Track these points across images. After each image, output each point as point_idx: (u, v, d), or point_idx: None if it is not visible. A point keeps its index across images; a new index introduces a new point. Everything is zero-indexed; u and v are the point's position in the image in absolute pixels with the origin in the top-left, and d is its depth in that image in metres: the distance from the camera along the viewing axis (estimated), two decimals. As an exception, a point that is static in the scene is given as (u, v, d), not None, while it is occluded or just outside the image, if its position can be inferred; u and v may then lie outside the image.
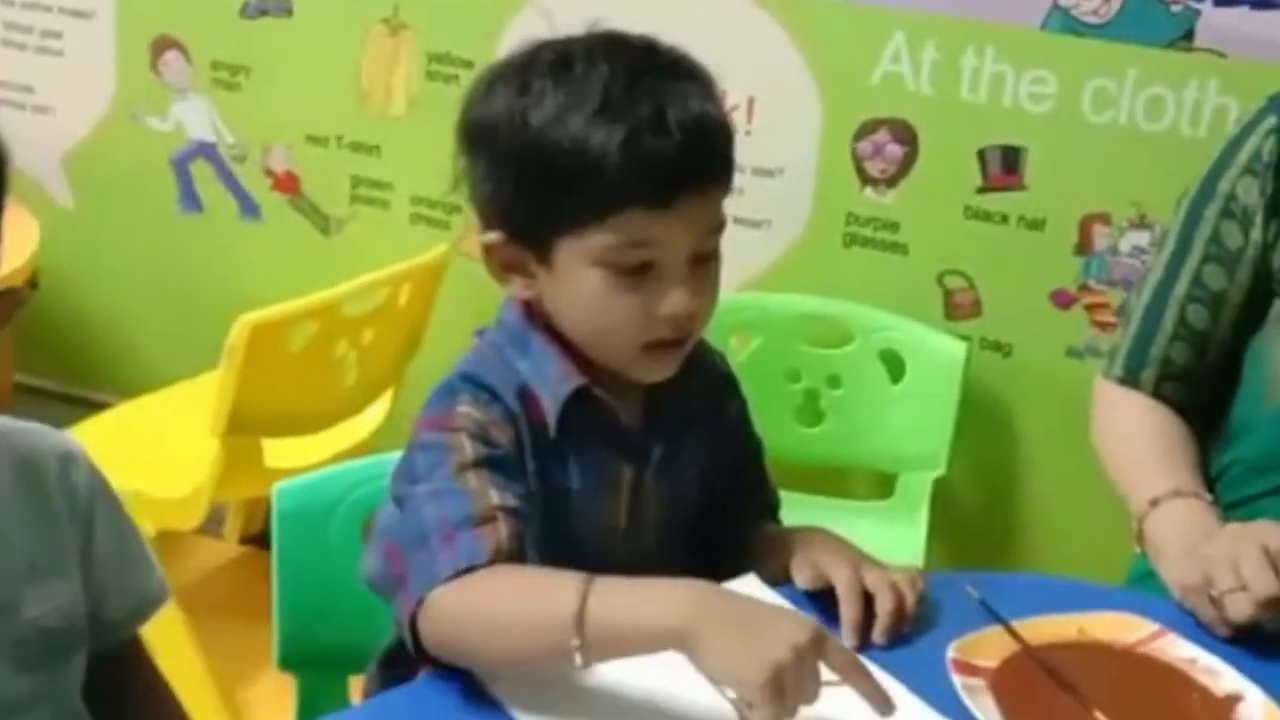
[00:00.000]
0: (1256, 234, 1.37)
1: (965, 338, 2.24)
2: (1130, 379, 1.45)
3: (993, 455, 2.31)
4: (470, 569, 1.03)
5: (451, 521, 1.05)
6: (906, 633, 1.16)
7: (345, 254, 2.44)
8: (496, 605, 1.02)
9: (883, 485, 2.32)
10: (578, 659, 0.99)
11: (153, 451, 2.14)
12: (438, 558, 1.04)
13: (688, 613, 0.98)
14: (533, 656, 1.03)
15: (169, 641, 2.14)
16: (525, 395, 1.14)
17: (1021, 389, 2.26)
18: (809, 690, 0.96)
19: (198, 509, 2.01)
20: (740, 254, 2.32)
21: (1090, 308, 2.21)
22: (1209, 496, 1.33)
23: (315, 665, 1.38)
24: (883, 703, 1.00)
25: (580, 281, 1.11)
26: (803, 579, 1.18)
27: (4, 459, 1.09)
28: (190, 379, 2.31)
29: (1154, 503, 1.31)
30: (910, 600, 1.17)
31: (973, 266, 2.26)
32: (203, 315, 2.25)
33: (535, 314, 1.17)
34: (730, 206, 2.32)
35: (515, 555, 1.05)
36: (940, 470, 2.20)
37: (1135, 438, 1.42)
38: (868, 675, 1.00)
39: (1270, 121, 1.38)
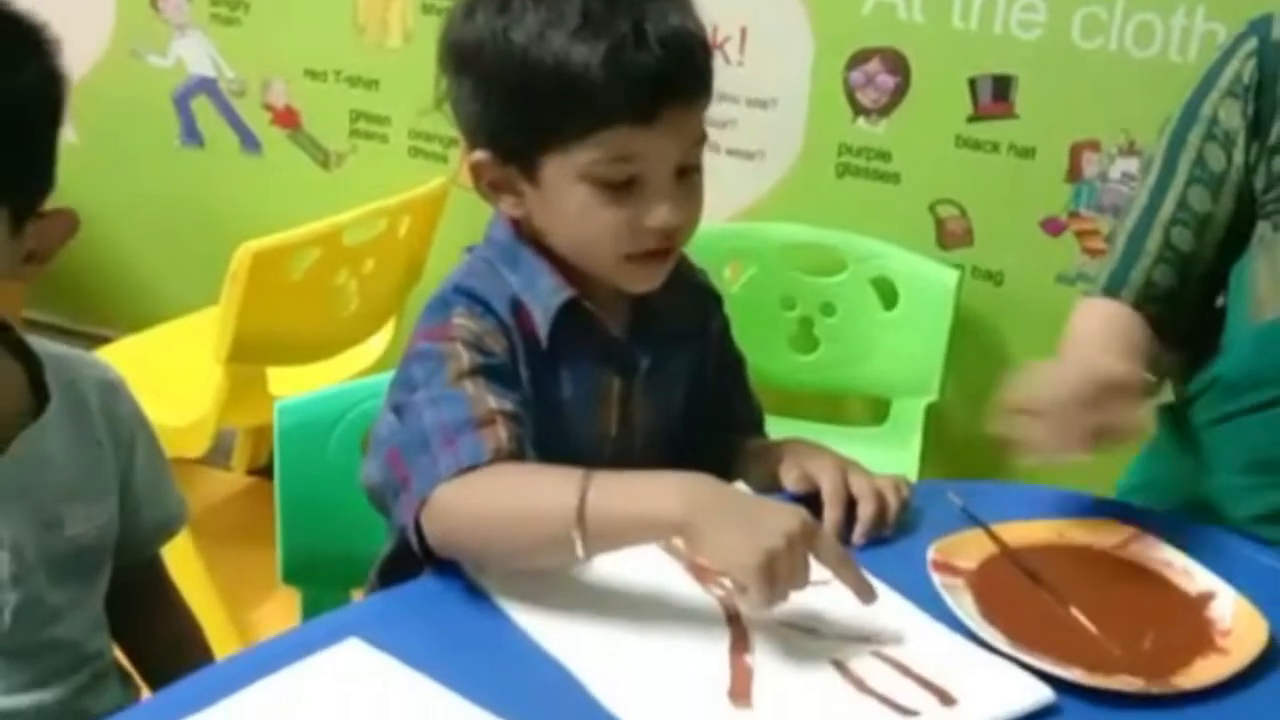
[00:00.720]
0: (1239, 156, 1.38)
1: (957, 266, 2.27)
2: (1111, 296, 1.47)
3: (984, 381, 2.31)
4: (472, 468, 1.06)
5: (452, 425, 1.08)
6: (889, 536, 1.19)
7: (345, 188, 2.47)
8: (500, 501, 1.05)
9: (877, 411, 2.35)
10: (579, 550, 1.02)
11: (159, 381, 2.15)
12: (439, 459, 1.07)
13: (685, 502, 1.01)
14: (535, 549, 1.06)
15: (180, 565, 2.19)
16: (517, 307, 1.17)
17: (1013, 316, 2.29)
18: (800, 577, 1.00)
19: (204, 435, 2.05)
20: (734, 184, 2.37)
21: (1080, 234, 2.24)
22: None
23: (318, 579, 1.42)
24: (867, 593, 1.03)
25: (567, 197, 1.13)
26: (790, 481, 1.22)
27: (52, 386, 1.13)
28: (195, 313, 2.34)
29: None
30: (893, 505, 1.20)
31: (964, 195, 2.29)
32: (206, 250, 2.28)
33: (523, 230, 1.19)
34: (724, 138, 2.39)
35: (515, 456, 1.07)
36: (933, 396, 2.23)
37: (1090, 320, 1.43)
38: (854, 567, 1.04)
39: (1251, 44, 1.39)
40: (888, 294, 2.28)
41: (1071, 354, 1.28)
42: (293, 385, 2.07)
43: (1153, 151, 1.45)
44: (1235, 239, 1.41)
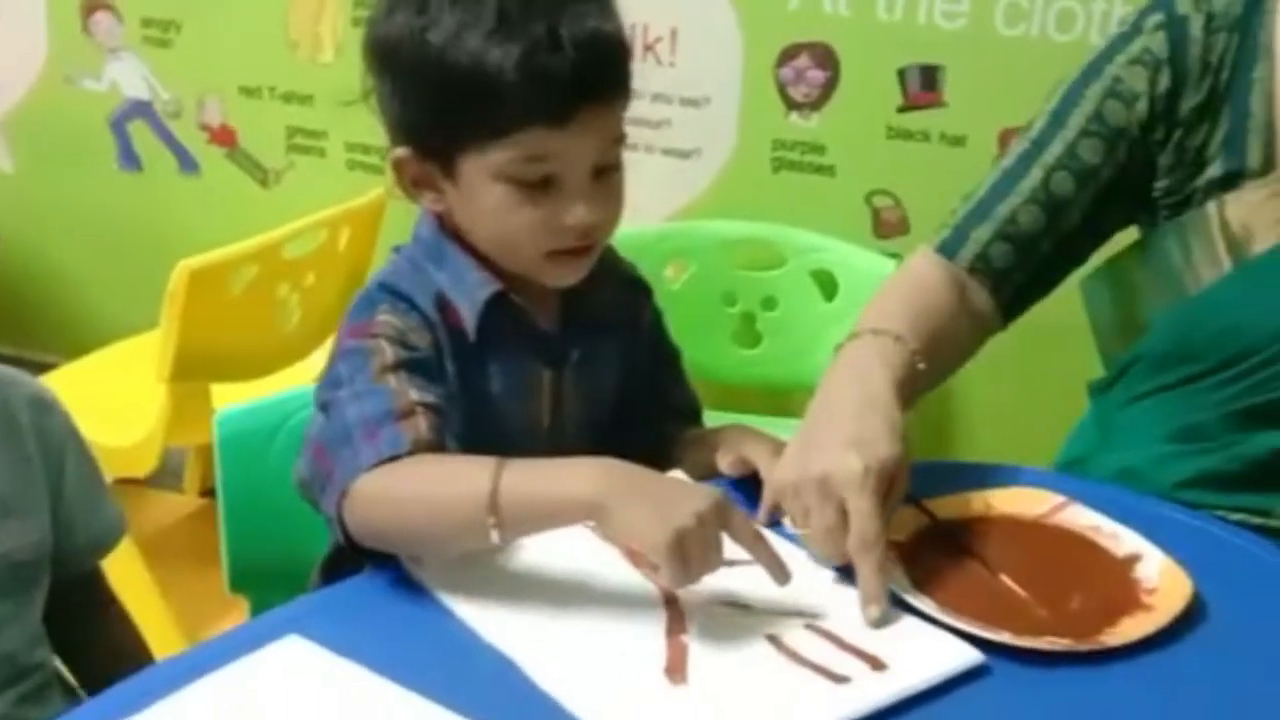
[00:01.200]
0: (1139, 118, 1.37)
1: (895, 255, 2.29)
2: (955, 240, 1.42)
3: (926, 367, 2.37)
4: (393, 459, 1.07)
5: (373, 418, 1.09)
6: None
7: (285, 204, 2.47)
8: (417, 489, 1.07)
9: (821, 402, 2.37)
10: (494, 536, 1.04)
11: (104, 403, 2.16)
12: (361, 451, 1.08)
13: (597, 484, 1.03)
14: (452, 536, 1.07)
15: (131, 588, 2.19)
16: (443, 303, 1.18)
17: (951, 301, 2.32)
18: (711, 556, 1.02)
19: (150, 455, 2.05)
20: (671, 184, 2.39)
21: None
22: (913, 345, 1.28)
23: (265, 586, 1.42)
24: (780, 572, 1.05)
25: (484, 195, 1.15)
26: (725, 465, 1.24)
27: None
28: (138, 335, 2.34)
29: (854, 335, 1.29)
30: None
31: (899, 185, 2.32)
32: (147, 273, 2.27)
33: (448, 227, 1.21)
34: (658, 138, 2.41)
35: (435, 447, 1.09)
36: (876, 384, 2.26)
37: (901, 281, 1.41)
38: (768, 546, 1.05)
39: (1157, 18, 1.39)
40: (827, 286, 2.30)
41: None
42: (238, 402, 2.08)
43: (1037, 112, 1.43)
44: (1111, 202, 1.40)
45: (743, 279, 2.33)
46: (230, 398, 2.09)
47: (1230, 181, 1.36)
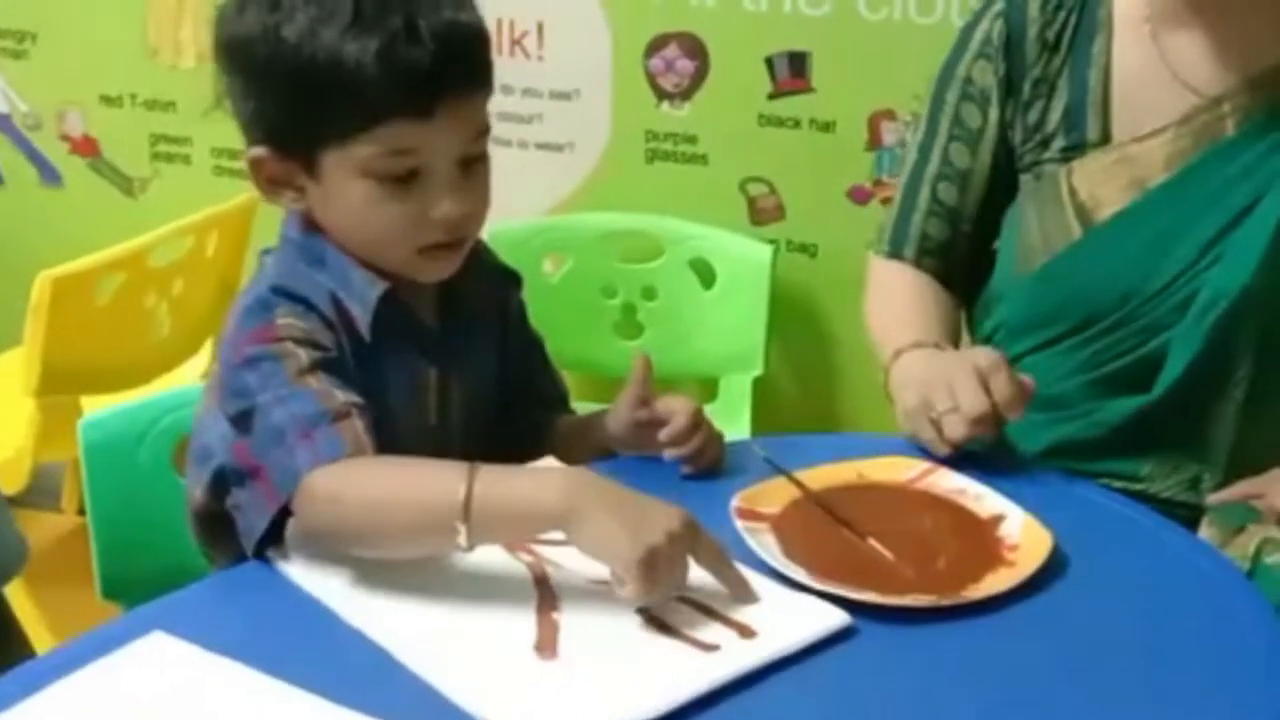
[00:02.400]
0: (994, 113, 1.45)
1: (771, 241, 2.31)
2: (895, 253, 1.53)
3: (809, 351, 2.39)
4: (331, 461, 1.06)
5: (306, 419, 1.07)
6: (694, 488, 1.23)
7: (152, 213, 2.42)
8: (382, 491, 1.06)
9: (705, 390, 2.38)
10: (462, 541, 1.04)
11: (-31, 422, 2.12)
12: (296, 453, 1.06)
13: (569, 495, 1.02)
14: (416, 537, 1.06)
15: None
16: (338, 303, 1.16)
17: (830, 285, 2.34)
18: (679, 574, 1.02)
19: (20, 472, 2.00)
20: (545, 178, 2.39)
21: (886, 201, 2.28)
22: (950, 349, 1.39)
23: (137, 593, 1.39)
24: (746, 593, 1.06)
25: (348, 192, 1.13)
26: (635, 414, 1.27)
27: None
28: (4, 352, 2.29)
29: (897, 353, 1.36)
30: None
31: (772, 172, 2.33)
32: (11, 288, 2.23)
33: (316, 228, 1.18)
34: (531, 132, 2.40)
35: (370, 448, 1.08)
36: (758, 370, 2.28)
37: (891, 299, 1.50)
38: (733, 568, 1.06)
39: (998, 5, 1.45)
40: (706, 274, 2.32)
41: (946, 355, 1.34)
42: (106, 410, 2.04)
43: (918, 111, 1.52)
44: (997, 192, 1.48)
45: (621, 271, 2.34)
46: (101, 410, 2.05)
47: (1073, 153, 1.41)
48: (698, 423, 1.26)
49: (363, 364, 1.16)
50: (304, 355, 1.10)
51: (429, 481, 1.05)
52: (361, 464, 1.06)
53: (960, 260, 1.52)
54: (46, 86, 2.51)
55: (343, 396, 1.09)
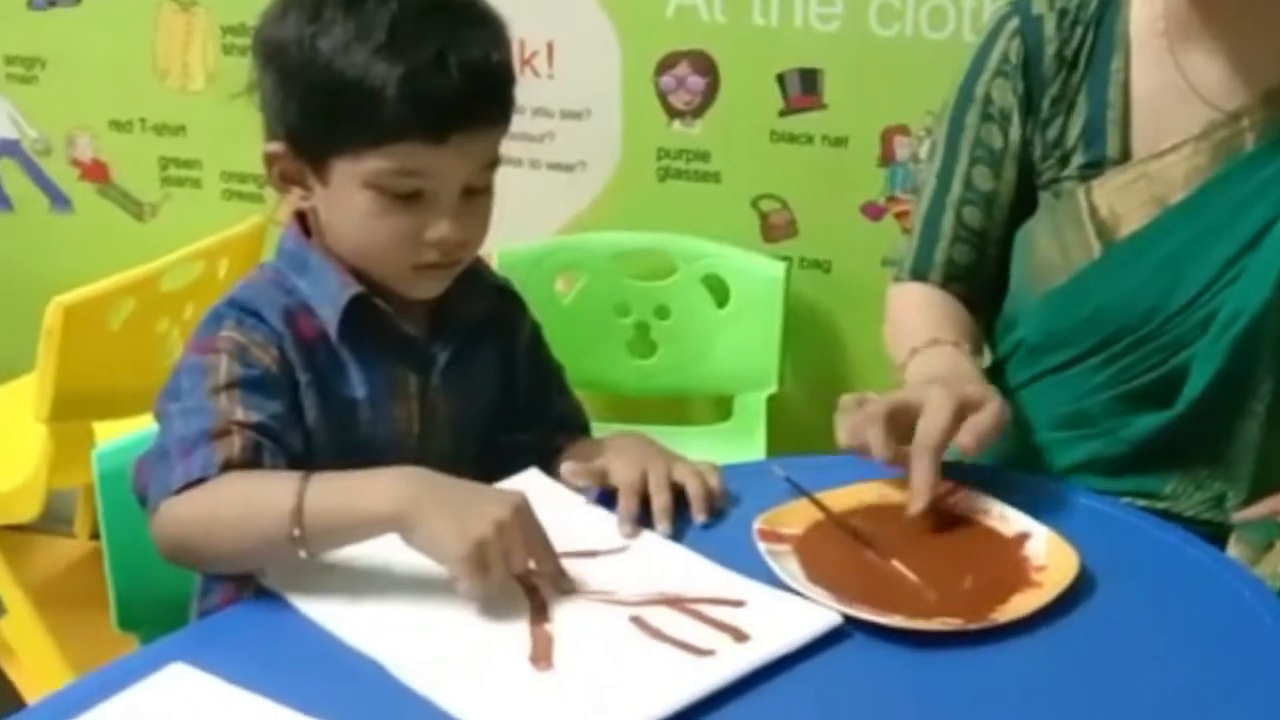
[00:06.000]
0: (1015, 132, 1.43)
1: (784, 258, 2.30)
2: (919, 279, 1.51)
3: (823, 368, 2.38)
4: (201, 480, 1.08)
5: (191, 437, 1.10)
6: (718, 510, 1.21)
7: (162, 237, 2.41)
8: (220, 508, 1.08)
9: (720, 408, 2.38)
10: (300, 550, 1.05)
11: (-18, 450, 2.11)
12: (174, 470, 1.09)
13: (398, 496, 1.04)
14: (257, 550, 1.08)
15: (24, 637, 2.14)
16: (294, 315, 1.18)
17: (844, 302, 2.33)
18: (512, 562, 1.03)
19: (34, 499, 2.00)
20: (558, 197, 2.38)
21: (899, 216, 2.28)
22: (968, 347, 1.38)
23: (153, 622, 1.38)
24: (564, 582, 1.07)
25: (352, 199, 1.16)
26: (570, 474, 1.22)
27: None
28: (16, 379, 2.28)
29: (913, 351, 1.36)
30: (712, 483, 1.22)
31: (784, 188, 2.32)
32: (23, 315, 2.22)
33: (313, 233, 1.22)
34: (543, 152, 2.40)
35: (248, 466, 1.10)
36: (773, 388, 2.26)
37: (908, 309, 1.48)
38: (555, 560, 1.07)
39: (1013, 23, 1.44)
40: (719, 292, 2.30)
41: (922, 385, 1.29)
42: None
43: (935, 134, 1.50)
44: (1023, 210, 1.46)
45: (634, 289, 2.33)
46: (113, 436, 2.04)
47: (1093, 171, 1.40)
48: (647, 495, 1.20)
49: (327, 371, 1.19)
50: (225, 371, 1.14)
51: (264, 494, 1.07)
52: (213, 483, 1.08)
53: (986, 283, 1.50)
54: (56, 112, 2.50)
55: (240, 415, 1.11)
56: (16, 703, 1.46)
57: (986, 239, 1.48)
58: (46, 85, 2.49)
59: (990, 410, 1.22)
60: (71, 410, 1.94)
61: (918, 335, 1.38)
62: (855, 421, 1.21)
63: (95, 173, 2.53)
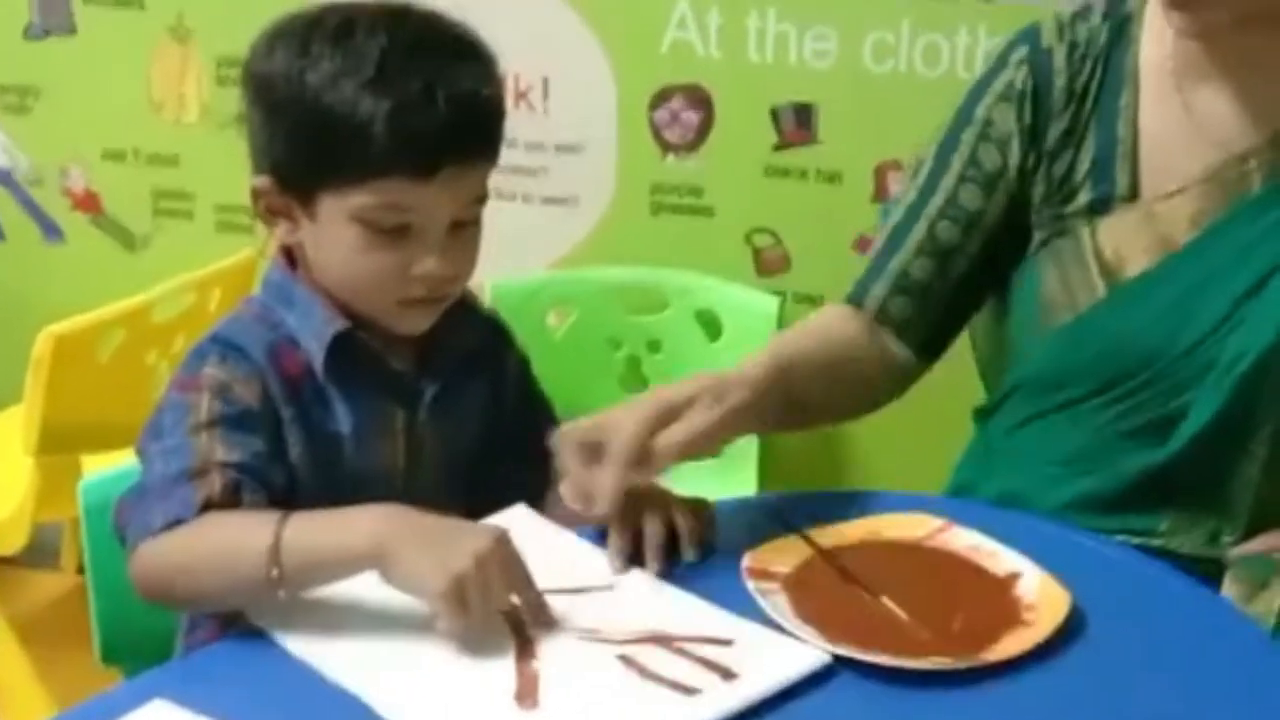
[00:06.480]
0: (1014, 159, 1.40)
1: (778, 293, 2.30)
2: (855, 298, 1.45)
3: (815, 402, 2.37)
4: (179, 521, 1.07)
5: (170, 476, 1.10)
6: (709, 548, 1.20)
7: (154, 269, 2.41)
8: (198, 548, 1.07)
9: (712, 443, 2.36)
10: (280, 590, 1.04)
11: (-32, 482, 2.10)
12: (153, 510, 1.09)
13: (376, 533, 1.03)
14: (235, 590, 1.07)
15: (5, 670, 2.12)
16: (278, 350, 1.17)
17: (837, 337, 2.33)
18: (492, 597, 1.02)
19: (19, 533, 1.98)
20: (551, 232, 2.38)
21: (891, 254, 2.28)
22: (795, 363, 1.31)
23: (137, 657, 1.37)
24: (544, 617, 1.06)
25: (339, 235, 1.15)
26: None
27: None
28: (3, 410, 2.27)
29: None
30: (704, 521, 1.20)
31: (778, 223, 2.33)
32: (13, 345, 2.22)
33: (299, 267, 1.21)
34: (536, 186, 2.40)
35: (228, 505, 1.09)
36: (764, 423, 2.26)
37: (797, 325, 1.46)
38: (536, 594, 1.06)
39: (1022, 52, 1.41)
40: (711, 326, 2.30)
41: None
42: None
43: (922, 155, 1.47)
44: (999, 243, 1.42)
45: (627, 323, 2.33)
46: (101, 469, 2.03)
47: (1100, 206, 1.38)
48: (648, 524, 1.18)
49: (311, 407, 1.18)
50: (206, 410, 1.13)
51: (242, 533, 1.06)
52: (192, 525, 1.07)
53: (934, 308, 1.44)
54: (49, 142, 2.51)
55: (220, 455, 1.10)
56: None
57: (952, 260, 1.42)
58: (40, 115, 2.49)
59: (687, 421, 1.17)
60: (59, 443, 1.93)
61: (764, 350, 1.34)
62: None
63: (87, 203, 2.53)
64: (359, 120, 1.10)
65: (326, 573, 1.06)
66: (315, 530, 1.05)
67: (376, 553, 1.02)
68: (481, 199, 1.19)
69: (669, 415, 1.17)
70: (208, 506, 1.08)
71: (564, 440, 1.17)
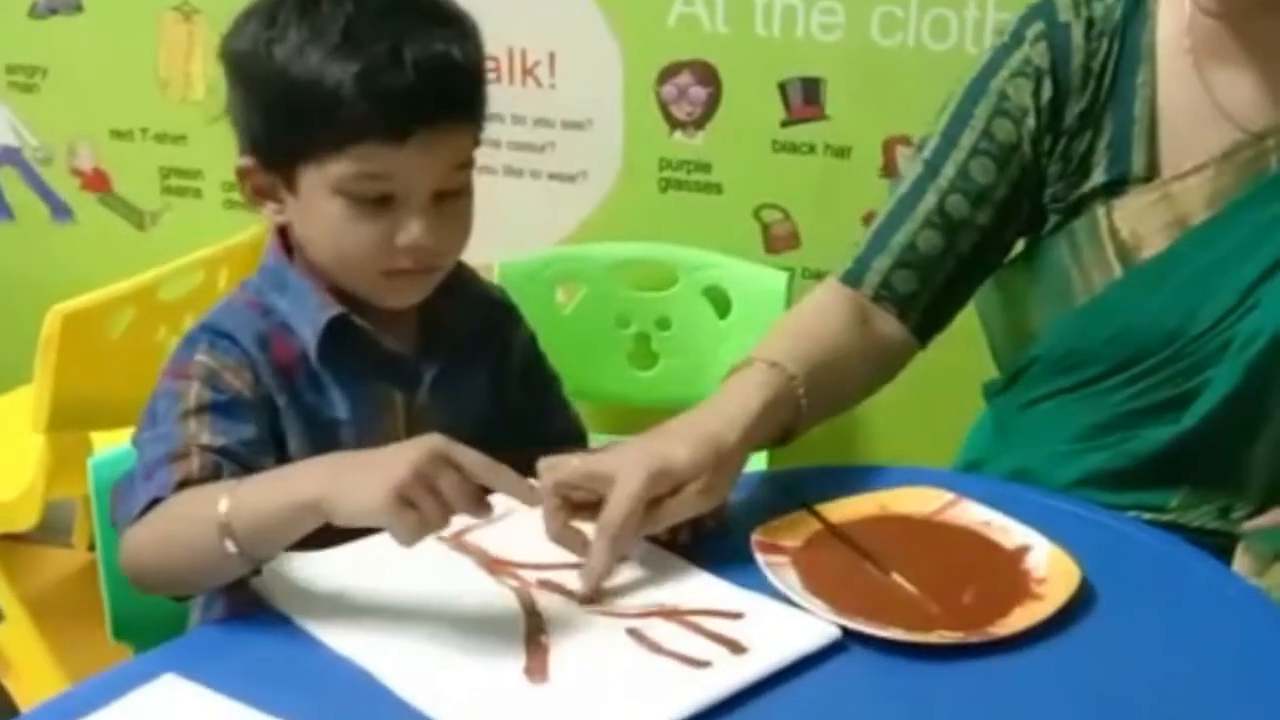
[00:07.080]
0: (1030, 134, 1.38)
1: (787, 268, 2.29)
2: (858, 270, 1.43)
3: (824, 379, 2.37)
4: (156, 501, 1.08)
5: (153, 461, 1.10)
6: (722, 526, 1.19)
7: (163, 247, 2.41)
8: (168, 526, 1.07)
9: (721, 419, 2.36)
10: (233, 550, 1.03)
11: (-21, 460, 2.11)
12: (137, 495, 1.09)
13: (318, 477, 1.02)
14: (201, 565, 1.06)
15: (20, 648, 2.13)
16: (270, 337, 1.17)
17: (845, 313, 2.33)
18: (446, 497, 0.98)
19: (31, 510, 1.99)
20: (558, 208, 2.38)
21: (901, 228, 2.28)
22: (792, 370, 1.28)
23: (148, 633, 1.37)
24: (527, 496, 1.04)
25: (322, 208, 1.14)
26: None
27: None
28: (15, 389, 2.28)
29: (734, 367, 1.30)
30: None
31: (786, 199, 2.32)
32: (23, 325, 2.22)
33: (292, 250, 1.21)
34: (543, 162, 2.39)
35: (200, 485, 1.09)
36: (774, 399, 2.25)
37: (792, 311, 1.44)
38: (507, 473, 1.02)
39: (1038, 27, 1.39)
40: (720, 303, 2.30)
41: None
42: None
43: (928, 132, 1.44)
44: (1006, 219, 1.41)
45: (635, 300, 2.32)
46: (111, 446, 2.03)
47: (1116, 187, 1.37)
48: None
49: (306, 393, 1.17)
50: (195, 396, 1.13)
51: (197, 504, 1.06)
52: (163, 505, 1.07)
53: (937, 281, 1.42)
54: (57, 121, 2.50)
55: (205, 439, 1.10)
56: (11, 711, 1.44)
57: (960, 234, 1.39)
58: (47, 94, 2.49)
59: (687, 496, 1.13)
60: (69, 420, 1.93)
61: (759, 347, 1.32)
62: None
63: (96, 182, 2.53)
64: (328, 86, 1.09)
65: (278, 531, 1.04)
66: (263, 488, 1.04)
67: (321, 496, 1.00)
68: (465, 165, 1.17)
69: (665, 480, 1.12)
70: (184, 486, 1.07)
71: (546, 476, 1.13)
